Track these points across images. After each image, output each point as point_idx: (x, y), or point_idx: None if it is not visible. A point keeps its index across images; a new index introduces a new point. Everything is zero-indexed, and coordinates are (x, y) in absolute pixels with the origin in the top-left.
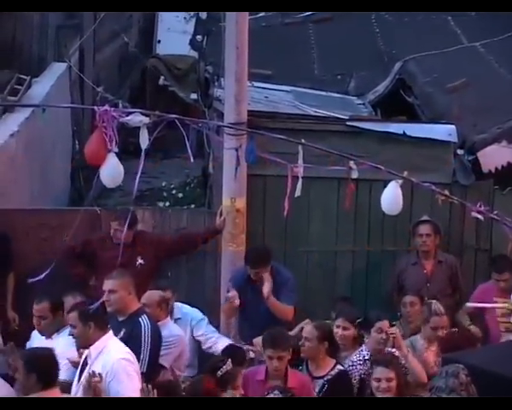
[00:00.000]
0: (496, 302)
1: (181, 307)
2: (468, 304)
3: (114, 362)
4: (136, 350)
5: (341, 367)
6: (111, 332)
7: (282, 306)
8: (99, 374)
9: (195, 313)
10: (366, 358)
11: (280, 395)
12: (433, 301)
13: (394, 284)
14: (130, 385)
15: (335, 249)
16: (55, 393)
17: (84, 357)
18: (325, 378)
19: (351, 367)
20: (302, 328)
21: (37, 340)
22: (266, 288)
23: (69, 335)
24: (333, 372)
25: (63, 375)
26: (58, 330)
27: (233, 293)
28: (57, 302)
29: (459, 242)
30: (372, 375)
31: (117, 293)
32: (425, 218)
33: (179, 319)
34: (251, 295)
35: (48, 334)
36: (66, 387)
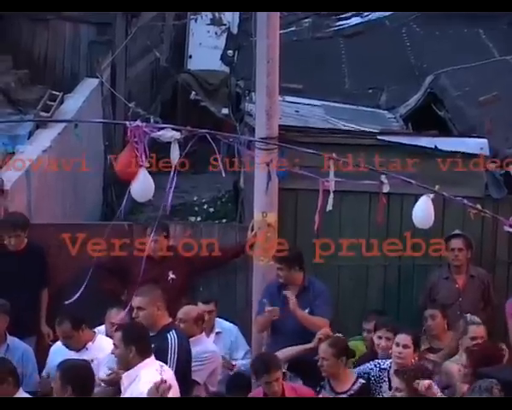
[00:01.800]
0: None
1: (221, 322)
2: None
3: (140, 394)
4: None
5: (363, 381)
6: (149, 360)
7: (314, 318)
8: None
9: (239, 338)
10: (383, 367)
11: None
12: (468, 314)
13: (426, 299)
14: None
15: (367, 263)
16: None
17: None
18: (348, 393)
19: (366, 367)
20: (320, 339)
21: (58, 354)
22: (291, 302)
23: (111, 353)
24: (355, 387)
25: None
26: (91, 340)
27: (272, 307)
28: (78, 320)
29: (491, 256)
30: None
31: (145, 310)
32: (457, 232)
33: (220, 333)
34: (282, 307)
35: (78, 349)
36: None
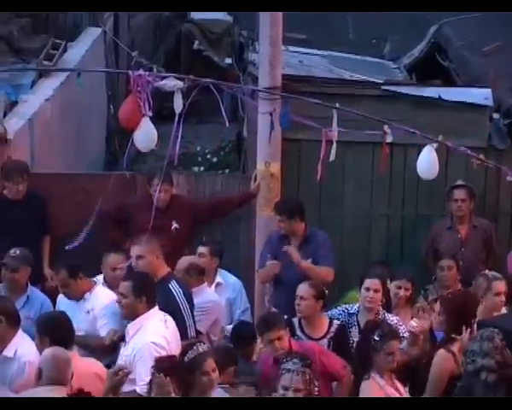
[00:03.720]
0: None
1: (225, 275)
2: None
3: (144, 344)
4: (177, 319)
5: (338, 322)
6: (154, 309)
7: (319, 268)
8: (126, 371)
9: (241, 295)
10: (351, 311)
11: (300, 364)
12: (486, 271)
13: (429, 249)
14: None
15: (370, 214)
16: (73, 356)
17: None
18: (328, 337)
19: (335, 312)
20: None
21: (64, 304)
22: (294, 256)
23: (116, 302)
24: (333, 329)
25: (104, 331)
26: (89, 290)
27: (274, 262)
28: (75, 269)
29: (494, 207)
30: (384, 348)
31: (145, 258)
32: (460, 182)
33: (220, 284)
34: (284, 258)
35: (77, 298)
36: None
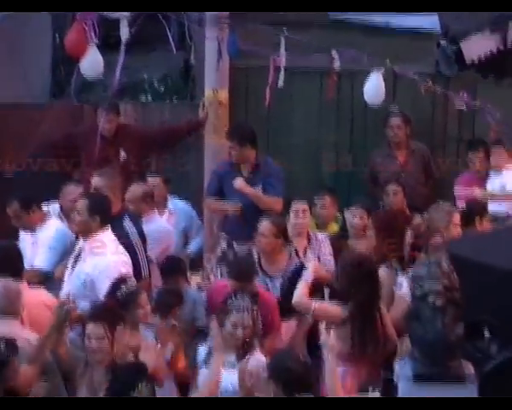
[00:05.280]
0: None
1: (175, 202)
2: (456, 188)
3: (109, 262)
4: (131, 258)
5: (297, 260)
6: (108, 231)
7: (266, 197)
8: (71, 300)
9: (193, 219)
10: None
11: (248, 301)
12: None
13: (369, 177)
14: None
15: (318, 142)
16: (23, 286)
17: (77, 248)
18: (285, 276)
19: None
20: None
21: (23, 237)
22: (239, 181)
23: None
24: (291, 268)
25: (38, 260)
26: (42, 221)
27: (237, 206)
28: (27, 200)
29: (442, 133)
30: None
31: (100, 191)
32: (394, 110)
33: (173, 212)
34: (233, 186)
35: (31, 229)
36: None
